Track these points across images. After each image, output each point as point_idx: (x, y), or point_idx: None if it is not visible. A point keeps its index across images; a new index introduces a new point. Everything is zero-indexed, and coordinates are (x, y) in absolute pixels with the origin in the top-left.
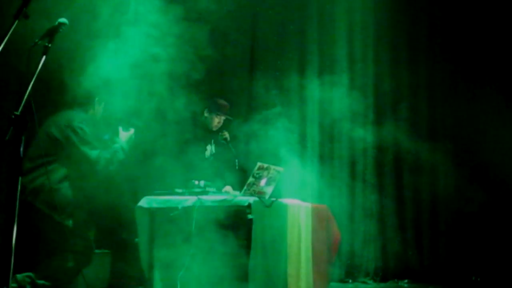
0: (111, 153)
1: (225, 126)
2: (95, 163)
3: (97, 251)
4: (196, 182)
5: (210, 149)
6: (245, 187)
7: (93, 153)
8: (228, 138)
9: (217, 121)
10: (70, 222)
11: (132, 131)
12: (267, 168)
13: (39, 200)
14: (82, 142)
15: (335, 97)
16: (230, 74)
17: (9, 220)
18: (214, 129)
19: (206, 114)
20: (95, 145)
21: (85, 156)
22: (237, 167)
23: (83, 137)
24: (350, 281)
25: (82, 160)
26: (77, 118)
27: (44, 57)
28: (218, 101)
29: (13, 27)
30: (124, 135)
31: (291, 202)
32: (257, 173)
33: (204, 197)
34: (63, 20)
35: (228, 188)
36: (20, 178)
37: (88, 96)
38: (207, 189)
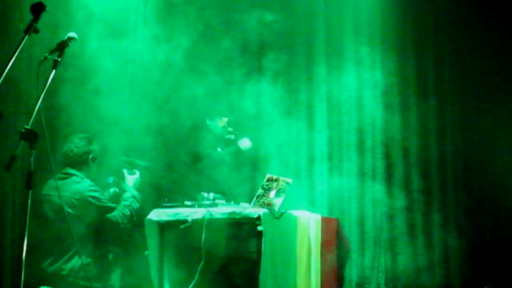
0: (128, 208)
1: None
2: (117, 224)
3: None
4: (205, 195)
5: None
6: (254, 199)
7: (114, 215)
8: (233, 131)
9: (221, 124)
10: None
11: (137, 174)
12: (276, 180)
13: (80, 277)
14: (100, 210)
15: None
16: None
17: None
18: (221, 133)
19: (208, 123)
20: (111, 206)
21: (107, 222)
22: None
23: (98, 204)
24: None
25: (104, 226)
26: (83, 186)
27: (53, 71)
28: (215, 106)
29: (23, 42)
30: (131, 180)
31: (301, 214)
32: (266, 185)
33: (213, 210)
34: (72, 34)
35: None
36: (30, 192)
37: (82, 154)
38: (217, 201)
